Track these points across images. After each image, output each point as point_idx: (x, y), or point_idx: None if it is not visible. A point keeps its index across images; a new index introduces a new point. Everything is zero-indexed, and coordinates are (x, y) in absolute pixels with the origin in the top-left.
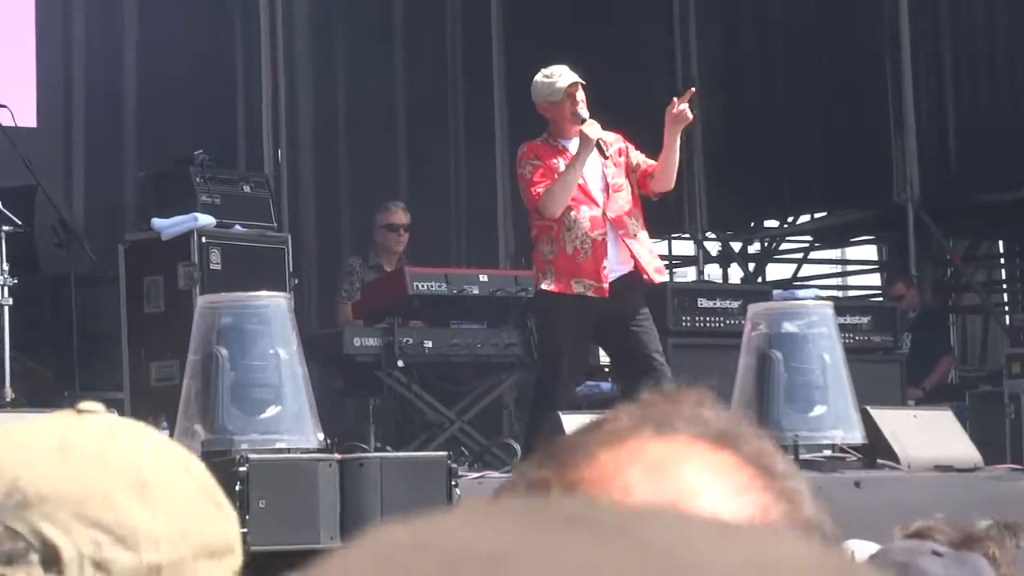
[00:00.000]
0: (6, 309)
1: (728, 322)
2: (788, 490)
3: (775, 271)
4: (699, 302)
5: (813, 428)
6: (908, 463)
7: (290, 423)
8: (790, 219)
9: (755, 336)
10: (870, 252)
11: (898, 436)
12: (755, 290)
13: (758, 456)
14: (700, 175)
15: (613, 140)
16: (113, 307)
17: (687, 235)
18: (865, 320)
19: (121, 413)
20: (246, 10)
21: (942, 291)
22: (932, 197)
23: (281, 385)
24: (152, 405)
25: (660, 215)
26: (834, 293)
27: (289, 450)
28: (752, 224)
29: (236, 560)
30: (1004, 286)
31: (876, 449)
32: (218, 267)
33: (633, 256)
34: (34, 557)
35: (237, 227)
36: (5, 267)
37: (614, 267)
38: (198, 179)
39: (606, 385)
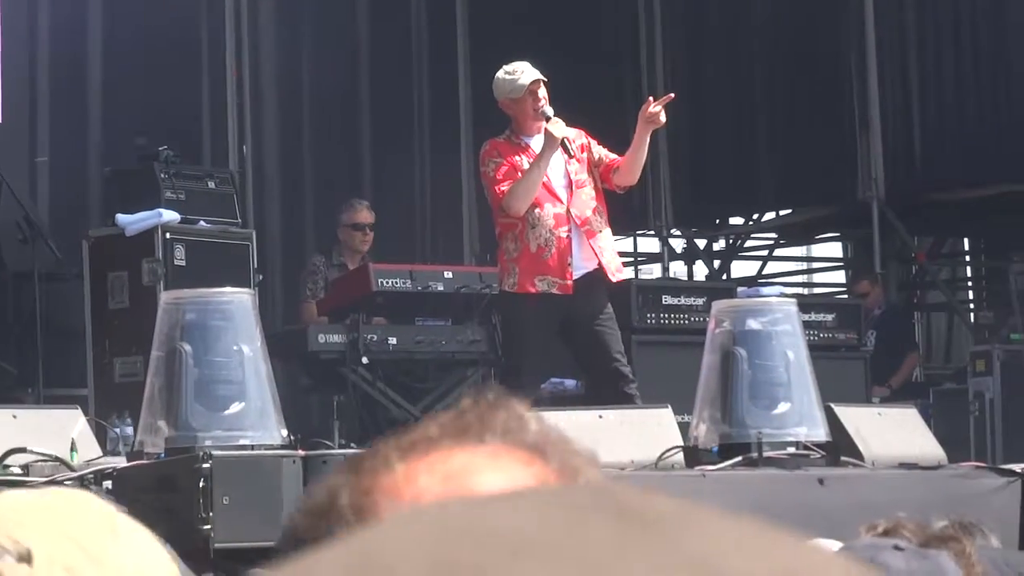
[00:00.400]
0: None
1: (693, 319)
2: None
3: (740, 268)
4: (664, 299)
5: (777, 425)
6: (872, 460)
7: (254, 420)
8: (755, 216)
9: (719, 333)
10: (835, 249)
11: (862, 434)
12: (720, 287)
13: (565, 467)
14: (665, 172)
15: (576, 136)
16: (77, 303)
17: (652, 232)
18: (830, 317)
19: (85, 409)
20: (211, 5)
21: (907, 289)
22: (897, 195)
23: (245, 382)
24: (116, 401)
25: (625, 212)
26: (799, 290)
27: (253, 447)
28: (717, 221)
29: None
30: (969, 284)
31: (840, 447)
32: (182, 263)
33: (595, 254)
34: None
35: (201, 223)
36: None
37: (579, 264)
38: (162, 175)
39: (571, 382)
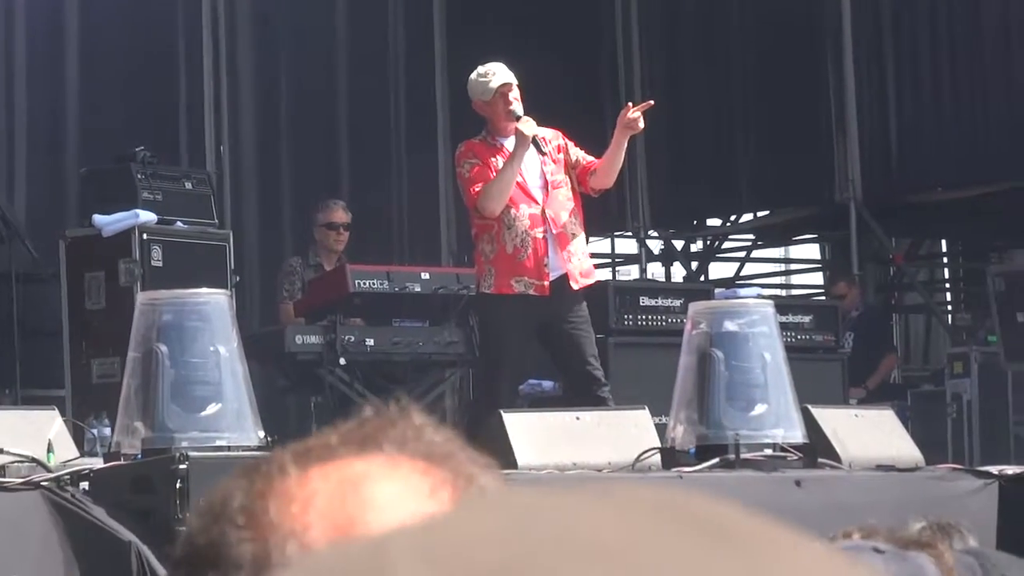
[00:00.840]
0: None
1: (670, 321)
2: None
3: (718, 270)
4: (641, 300)
5: (754, 427)
6: (849, 462)
7: (230, 421)
8: (733, 218)
9: (696, 335)
10: (812, 251)
11: (839, 435)
12: (697, 289)
13: (458, 475)
14: (643, 173)
15: (552, 137)
16: (54, 304)
17: (629, 233)
18: (807, 319)
19: (62, 410)
20: (188, 6)
21: (884, 290)
22: (874, 196)
23: (221, 383)
24: (93, 402)
25: (603, 213)
26: (776, 292)
27: (230, 448)
28: (695, 223)
29: None
30: (947, 285)
31: (817, 448)
32: (159, 264)
33: (564, 261)
34: None
35: (179, 224)
36: None
37: (555, 265)
38: (139, 176)
39: (548, 383)
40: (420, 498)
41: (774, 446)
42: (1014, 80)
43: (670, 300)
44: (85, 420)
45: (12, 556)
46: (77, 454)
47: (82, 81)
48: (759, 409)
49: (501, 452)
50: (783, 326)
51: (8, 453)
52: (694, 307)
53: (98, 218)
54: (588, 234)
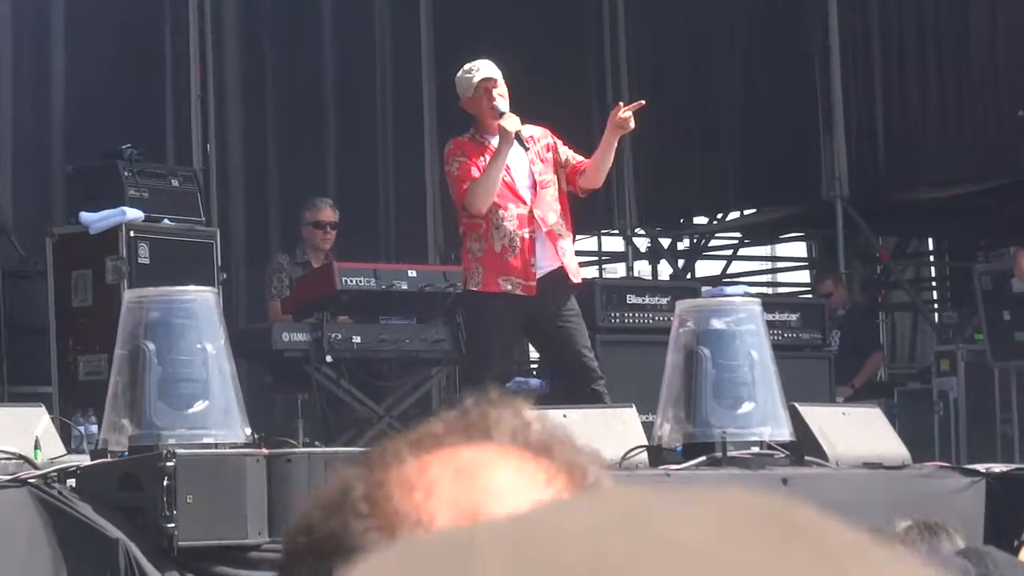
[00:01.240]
0: None
1: (657, 318)
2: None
3: (704, 268)
4: (628, 298)
5: (741, 425)
6: (836, 460)
7: (217, 418)
8: (719, 216)
9: (683, 333)
10: (799, 249)
11: (826, 433)
12: (684, 287)
13: (571, 463)
14: (629, 171)
15: (541, 135)
16: (41, 301)
17: (616, 231)
18: (794, 317)
19: (49, 407)
20: (175, 5)
21: (871, 288)
22: (861, 194)
23: (208, 380)
24: (80, 399)
25: (590, 211)
26: (763, 290)
27: (217, 445)
28: (682, 220)
29: None
30: (933, 284)
31: (804, 446)
32: (146, 261)
33: (558, 255)
34: None
35: (165, 221)
36: None
37: (542, 264)
38: (126, 173)
39: (535, 381)
40: (537, 487)
41: (761, 444)
42: (1001, 79)
43: (657, 298)
44: (72, 417)
45: None
46: (64, 451)
47: (69, 78)
48: (746, 407)
49: None
50: (770, 324)
51: None
52: (681, 305)
53: (85, 215)
54: (574, 232)
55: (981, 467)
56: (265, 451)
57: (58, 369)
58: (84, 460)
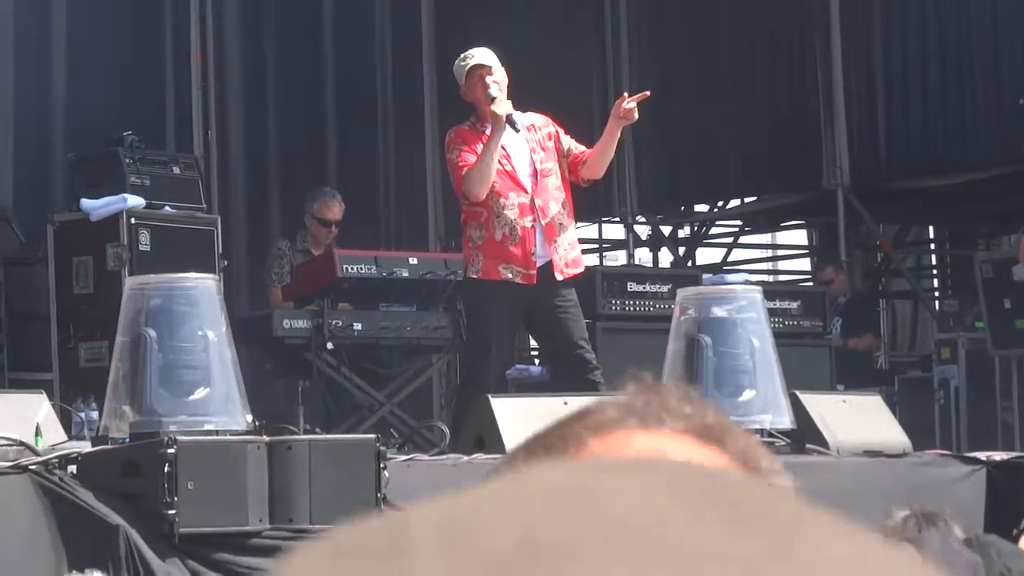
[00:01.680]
0: None
1: (657, 306)
2: (774, 487)
3: (705, 255)
4: (629, 286)
5: (742, 413)
6: (837, 448)
7: (218, 405)
8: (720, 203)
9: (684, 321)
10: (800, 237)
11: (827, 421)
12: (685, 274)
13: (744, 452)
14: (630, 159)
15: (542, 124)
16: (42, 288)
17: (617, 219)
18: (795, 305)
19: (50, 394)
20: None
21: (872, 276)
22: (862, 182)
23: (209, 367)
24: (81, 386)
25: (590, 199)
26: (764, 278)
27: (217, 432)
28: (682, 208)
29: None
30: (934, 272)
31: (805, 434)
32: (147, 248)
33: (550, 248)
34: None
35: (166, 208)
36: None
37: (542, 253)
38: (127, 160)
39: (535, 369)
40: None
41: (762, 432)
42: (1002, 67)
43: (658, 286)
44: (73, 404)
45: (0, 539)
46: (65, 438)
47: (70, 66)
48: (747, 395)
49: (489, 437)
50: (771, 312)
51: None
52: (682, 293)
53: (86, 202)
54: (576, 220)
55: (982, 455)
56: (266, 438)
57: (59, 356)
58: (85, 447)
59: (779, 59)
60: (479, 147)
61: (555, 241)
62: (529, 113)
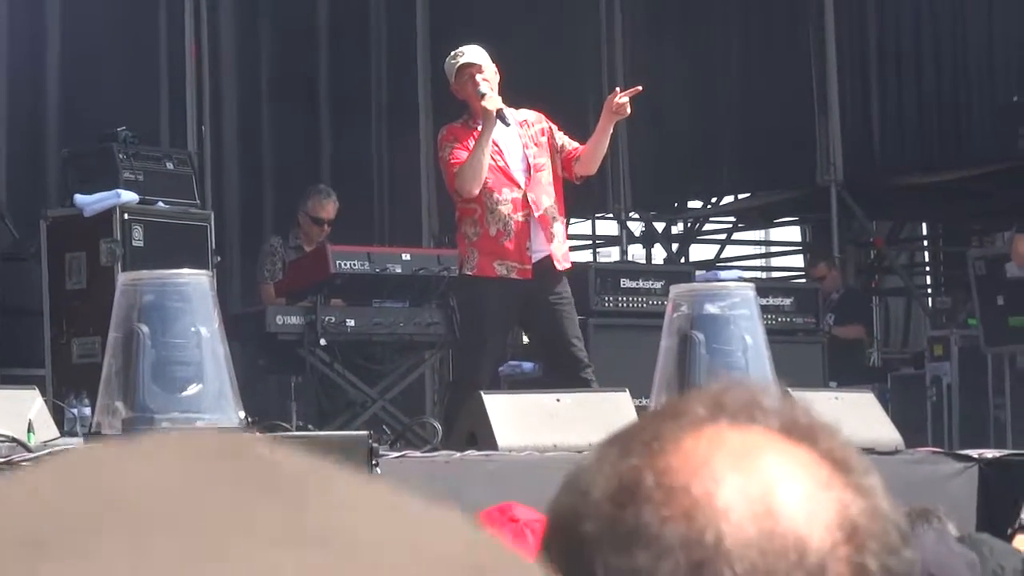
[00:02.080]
0: None
1: (651, 303)
2: (865, 486)
3: (698, 252)
4: (622, 282)
5: None
6: None
7: (211, 401)
8: (714, 200)
9: (677, 317)
10: (793, 233)
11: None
12: (678, 271)
13: (834, 451)
14: (624, 155)
15: (535, 120)
16: (35, 283)
17: (611, 215)
18: (788, 302)
19: (42, 390)
20: None
21: (865, 273)
22: (855, 179)
23: (202, 363)
24: (74, 382)
25: (584, 195)
26: (757, 274)
27: (210, 428)
28: (676, 205)
29: None
30: (927, 269)
31: None
32: (140, 244)
33: (548, 241)
34: None
35: (160, 204)
36: None
37: (537, 248)
38: (121, 155)
39: (528, 365)
40: (811, 474)
41: None
42: (996, 64)
43: (651, 282)
44: (65, 400)
45: None
46: (57, 434)
47: (64, 61)
48: None
49: (481, 433)
50: (764, 309)
51: None
52: (675, 289)
53: (79, 198)
54: (568, 215)
55: (974, 452)
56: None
57: (52, 352)
58: (78, 443)
59: (773, 55)
60: (471, 144)
61: (551, 232)
62: (522, 109)
